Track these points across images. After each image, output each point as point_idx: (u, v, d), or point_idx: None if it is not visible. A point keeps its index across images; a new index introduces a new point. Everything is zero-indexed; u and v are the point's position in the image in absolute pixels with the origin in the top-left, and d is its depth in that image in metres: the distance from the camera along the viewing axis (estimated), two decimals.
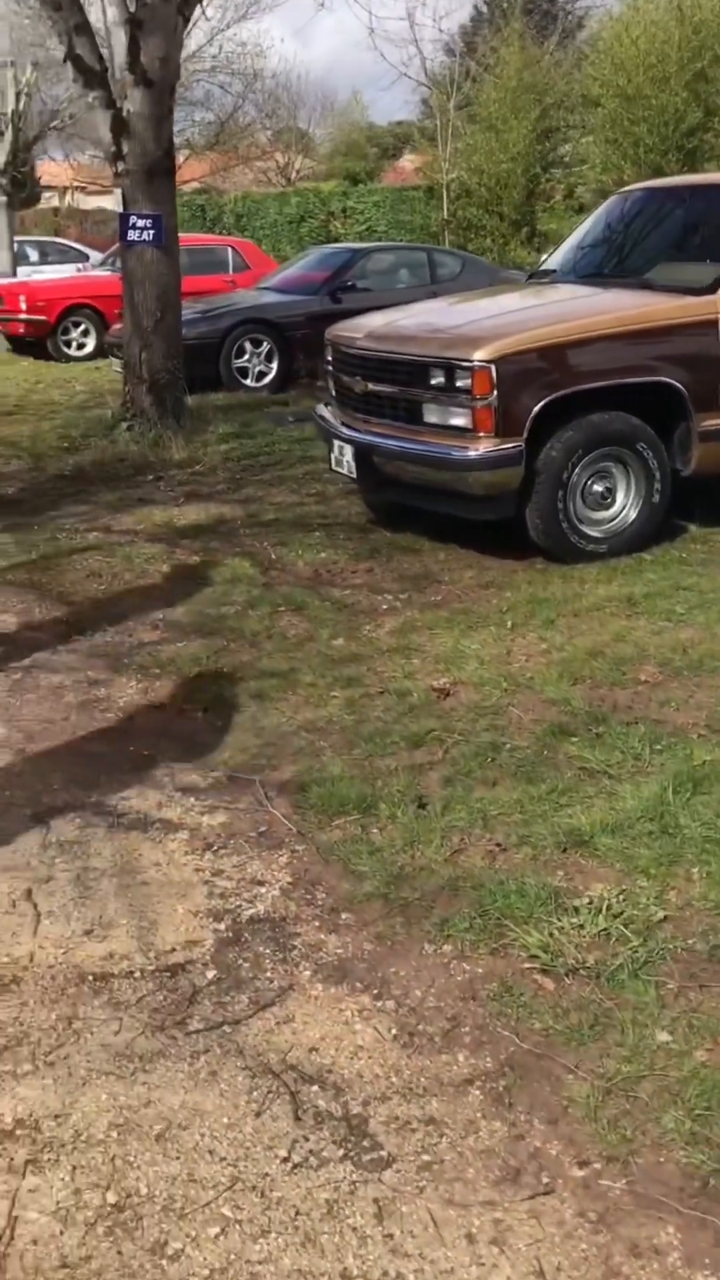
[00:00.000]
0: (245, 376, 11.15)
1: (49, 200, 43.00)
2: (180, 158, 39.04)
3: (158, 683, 4.36)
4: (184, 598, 5.32)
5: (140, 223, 8.33)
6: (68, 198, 44.97)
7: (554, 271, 6.65)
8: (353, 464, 5.86)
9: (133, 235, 8.38)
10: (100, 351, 13.90)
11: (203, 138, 38.43)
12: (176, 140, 31.76)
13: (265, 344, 11.15)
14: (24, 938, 2.79)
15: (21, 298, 13.83)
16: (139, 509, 6.89)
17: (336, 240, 24.65)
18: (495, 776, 3.45)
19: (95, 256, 20.11)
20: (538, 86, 19.19)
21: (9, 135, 16.87)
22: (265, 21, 56.88)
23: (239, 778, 3.58)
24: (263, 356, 11.19)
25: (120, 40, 8.42)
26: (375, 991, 2.56)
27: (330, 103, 45.96)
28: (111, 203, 39.63)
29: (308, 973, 2.63)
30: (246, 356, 11.12)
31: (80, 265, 19.18)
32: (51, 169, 41.35)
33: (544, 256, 7.00)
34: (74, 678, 4.44)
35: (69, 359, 13.92)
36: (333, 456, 6.10)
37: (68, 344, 14.03)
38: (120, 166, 8.25)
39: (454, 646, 4.54)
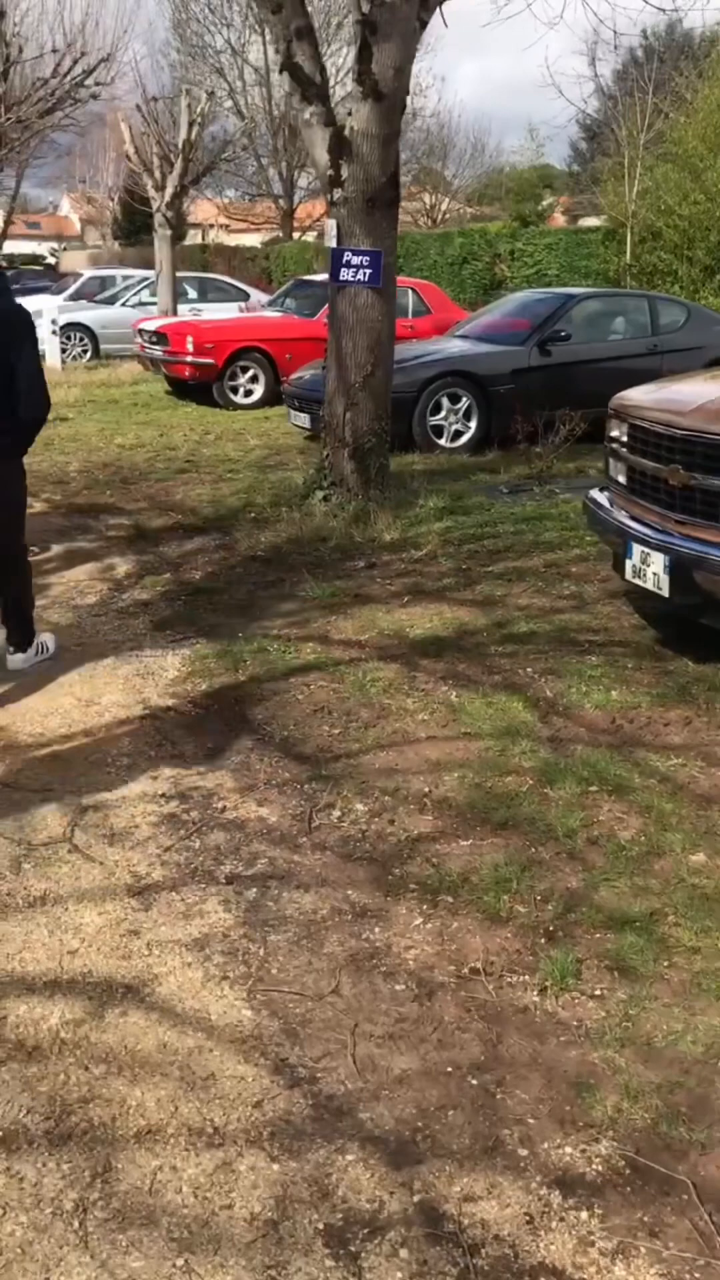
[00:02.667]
0: (440, 436, 9.83)
1: (192, 237, 42.88)
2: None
3: (455, 922, 2.99)
4: (449, 756, 3.96)
5: (355, 260, 7.10)
6: (211, 235, 44.83)
7: None
8: (664, 578, 4.45)
9: (345, 274, 7.15)
10: (271, 399, 12.79)
11: None
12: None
13: (464, 400, 9.82)
14: None
15: (188, 339, 12.77)
16: (357, 609, 5.58)
17: (501, 284, 23.38)
18: None
19: (256, 295, 19.22)
20: None
21: (178, 166, 15.98)
22: (426, 61, 56.29)
23: (648, 1168, 2.18)
24: (460, 414, 9.86)
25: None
26: None
27: (480, 145, 44.90)
28: (257, 241, 39.27)
29: None
30: (442, 413, 9.80)
31: (241, 305, 18.24)
32: (198, 206, 41.13)
33: None
34: (331, 900, 3.10)
35: (235, 406, 12.81)
36: (629, 564, 4.70)
37: (234, 390, 12.92)
38: (336, 194, 7.03)
39: None
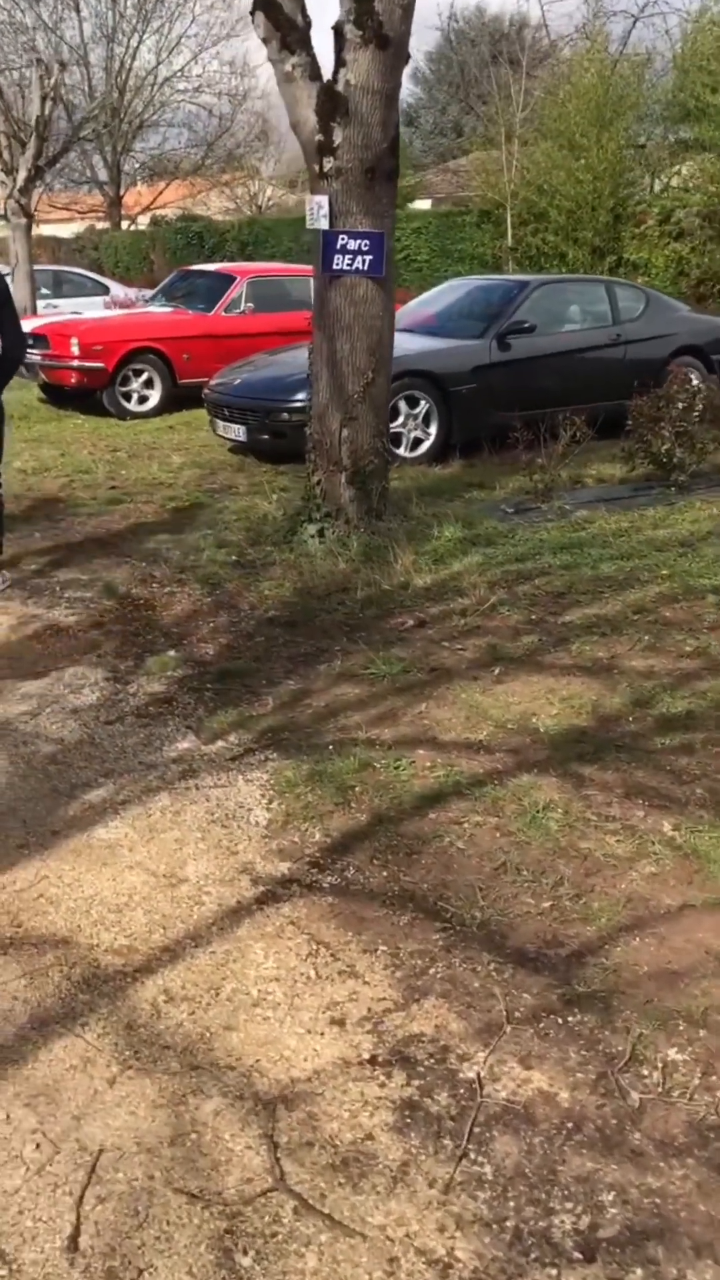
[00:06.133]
0: (398, 444, 8.63)
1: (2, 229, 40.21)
2: (142, 184, 36.06)
3: None
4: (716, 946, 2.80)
5: (353, 244, 5.84)
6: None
7: None
8: None
9: (341, 262, 5.88)
10: (169, 404, 11.36)
11: (188, 161, 36.07)
12: (160, 162, 29.12)
13: (423, 403, 8.65)
14: None
15: (73, 340, 11.17)
16: (444, 690, 4.36)
17: None
18: None
19: (118, 289, 17.58)
20: (626, 99, 16.96)
21: (32, 145, 14.24)
22: (252, 40, 54.48)
23: None
24: (419, 419, 8.68)
25: None
26: None
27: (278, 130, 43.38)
28: (70, 233, 36.90)
29: None
30: (400, 419, 8.60)
31: (105, 299, 16.58)
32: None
33: None
34: None
35: (129, 415, 11.30)
36: None
37: (127, 396, 11.41)
38: (328, 164, 5.74)
39: None
